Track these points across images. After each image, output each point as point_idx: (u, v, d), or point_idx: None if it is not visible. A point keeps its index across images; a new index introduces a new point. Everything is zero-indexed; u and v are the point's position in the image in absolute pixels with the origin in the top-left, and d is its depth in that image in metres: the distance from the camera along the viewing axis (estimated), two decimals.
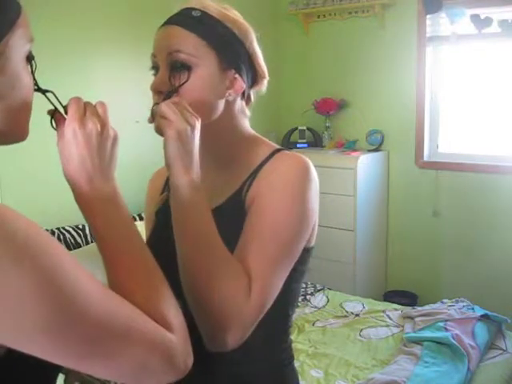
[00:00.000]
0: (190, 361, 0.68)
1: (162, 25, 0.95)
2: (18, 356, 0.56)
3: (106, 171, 0.73)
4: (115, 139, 0.75)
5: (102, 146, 0.72)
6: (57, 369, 0.66)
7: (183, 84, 0.90)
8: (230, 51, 0.94)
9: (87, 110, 0.73)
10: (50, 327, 0.55)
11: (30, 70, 0.70)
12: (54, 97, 0.73)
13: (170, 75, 0.91)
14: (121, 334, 0.60)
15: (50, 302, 0.54)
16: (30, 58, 0.69)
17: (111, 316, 0.60)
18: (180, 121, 0.83)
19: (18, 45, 0.66)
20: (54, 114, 0.73)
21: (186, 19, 0.92)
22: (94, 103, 0.75)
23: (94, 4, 2.76)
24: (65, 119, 0.73)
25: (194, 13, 0.93)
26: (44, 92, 0.73)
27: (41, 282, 0.54)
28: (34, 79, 0.71)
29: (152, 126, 0.88)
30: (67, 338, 0.56)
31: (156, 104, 0.89)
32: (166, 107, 0.84)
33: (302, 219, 0.91)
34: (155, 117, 0.86)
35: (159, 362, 0.63)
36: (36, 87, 0.72)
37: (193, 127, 0.84)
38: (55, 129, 0.73)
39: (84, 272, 0.60)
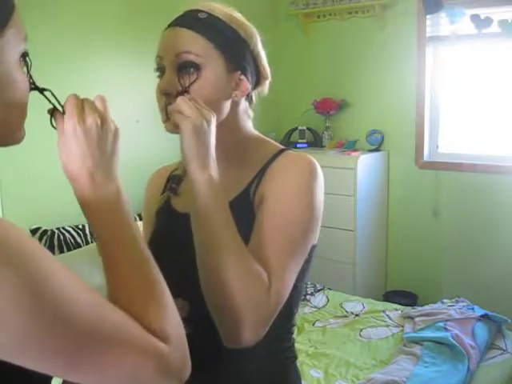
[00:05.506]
0: (186, 372, 0.67)
1: (168, 27, 0.95)
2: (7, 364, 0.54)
3: (108, 167, 0.71)
4: (116, 133, 0.73)
5: (103, 140, 0.70)
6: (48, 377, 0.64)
7: (193, 83, 0.91)
8: (236, 53, 0.95)
9: (85, 105, 0.71)
10: (32, 335, 0.53)
11: (24, 69, 0.68)
12: (51, 95, 0.72)
13: (178, 76, 0.91)
14: (109, 342, 0.58)
15: (32, 309, 0.53)
16: (24, 58, 0.67)
17: (99, 324, 0.58)
18: (196, 115, 0.83)
19: (11, 44, 0.64)
20: (53, 113, 0.72)
21: (193, 21, 0.93)
22: (92, 99, 0.73)
23: (94, 5, 2.76)
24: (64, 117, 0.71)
25: (200, 15, 0.93)
26: (42, 91, 0.72)
27: (24, 288, 0.52)
28: (31, 78, 0.69)
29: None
30: (51, 347, 0.54)
31: (170, 104, 0.89)
32: (182, 102, 0.84)
33: (311, 216, 0.93)
34: (171, 114, 0.86)
35: (151, 373, 0.61)
36: (33, 86, 0.70)
37: (209, 122, 0.84)
38: (55, 127, 0.72)
39: (74, 280, 0.58)
